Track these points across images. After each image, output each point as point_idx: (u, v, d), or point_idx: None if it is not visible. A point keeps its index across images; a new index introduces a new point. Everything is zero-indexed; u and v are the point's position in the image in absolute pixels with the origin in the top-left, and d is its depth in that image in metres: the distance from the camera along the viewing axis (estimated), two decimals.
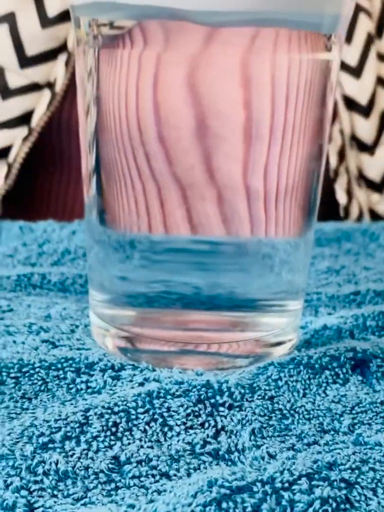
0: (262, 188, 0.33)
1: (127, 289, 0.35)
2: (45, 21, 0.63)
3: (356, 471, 0.26)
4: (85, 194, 0.36)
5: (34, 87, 0.64)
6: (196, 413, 0.30)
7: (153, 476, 0.26)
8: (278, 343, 0.35)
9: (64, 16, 0.63)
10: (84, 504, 0.25)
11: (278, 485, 0.25)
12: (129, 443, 0.28)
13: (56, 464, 0.26)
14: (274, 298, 0.35)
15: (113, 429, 0.28)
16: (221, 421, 0.29)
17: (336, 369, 0.34)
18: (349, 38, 0.66)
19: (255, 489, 0.25)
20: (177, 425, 0.29)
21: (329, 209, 0.68)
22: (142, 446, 0.28)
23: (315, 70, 0.33)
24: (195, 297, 0.34)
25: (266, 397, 0.31)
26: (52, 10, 0.63)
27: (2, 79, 0.63)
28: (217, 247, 0.34)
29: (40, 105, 0.64)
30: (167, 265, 0.34)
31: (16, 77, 0.64)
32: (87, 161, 0.35)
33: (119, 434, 0.28)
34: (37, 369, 0.32)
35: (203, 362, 0.34)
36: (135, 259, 0.34)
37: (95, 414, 0.29)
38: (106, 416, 0.29)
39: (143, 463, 0.27)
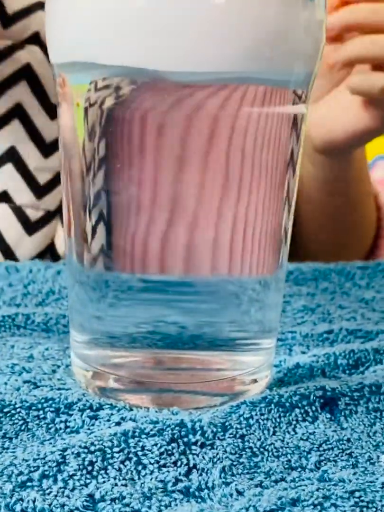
0: (230, 233, 0.35)
1: (106, 329, 0.36)
2: (47, 152, 0.65)
3: (319, 507, 0.28)
4: (66, 236, 0.37)
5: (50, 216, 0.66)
6: (169, 452, 0.31)
7: None
8: (253, 381, 0.37)
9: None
10: None
11: None
12: (104, 482, 0.29)
13: (34, 502, 0.28)
14: (248, 336, 0.37)
15: (89, 468, 0.30)
16: (193, 459, 0.31)
17: (306, 407, 0.35)
18: None
19: None
20: (150, 463, 0.30)
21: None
22: (116, 484, 0.29)
23: (282, 124, 0.35)
24: (172, 337, 0.35)
25: (237, 435, 0.33)
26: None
27: (23, 216, 0.64)
28: (190, 288, 0.36)
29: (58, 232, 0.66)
30: (144, 305, 0.35)
31: (34, 212, 0.65)
32: (69, 206, 0.37)
33: (94, 473, 0.30)
34: (18, 409, 0.33)
35: (179, 402, 0.35)
36: (113, 299, 0.35)
37: (72, 453, 0.30)
38: (83, 455, 0.30)
39: (116, 501, 0.28)
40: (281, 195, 0.36)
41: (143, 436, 0.31)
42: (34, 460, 0.30)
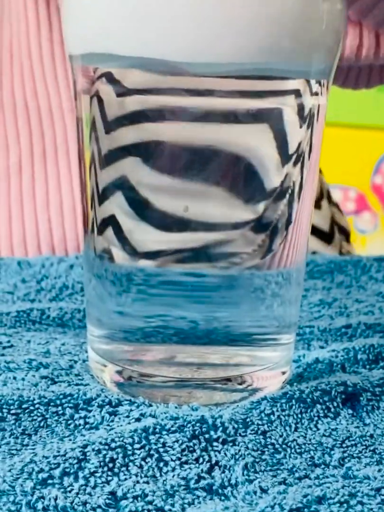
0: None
1: (124, 324, 0.36)
2: None
3: (345, 505, 0.27)
4: (83, 230, 0.37)
5: None
6: (191, 449, 0.31)
7: (149, 511, 0.27)
8: (273, 377, 0.36)
9: None
10: None
11: None
12: (125, 479, 0.29)
13: (55, 500, 0.27)
14: (267, 332, 0.36)
15: (110, 465, 0.29)
16: (215, 456, 0.30)
17: (327, 403, 0.35)
18: None
19: None
20: (172, 460, 0.30)
21: None
22: (138, 482, 0.29)
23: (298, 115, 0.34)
24: (190, 332, 0.35)
25: (259, 431, 0.32)
26: None
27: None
28: (210, 280, 0.35)
29: None
30: (162, 299, 0.35)
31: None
32: (86, 199, 0.36)
33: (116, 470, 0.29)
34: (36, 406, 0.33)
35: (199, 397, 0.35)
36: (131, 293, 0.35)
37: (93, 450, 0.30)
38: (104, 452, 0.30)
39: (139, 498, 0.28)
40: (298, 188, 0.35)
41: (164, 432, 0.31)
42: (55, 457, 0.29)
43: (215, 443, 0.31)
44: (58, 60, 0.59)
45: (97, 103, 0.34)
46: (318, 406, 0.34)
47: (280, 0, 0.32)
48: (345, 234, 0.79)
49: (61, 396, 0.33)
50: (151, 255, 0.35)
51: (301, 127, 0.34)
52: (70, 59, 0.35)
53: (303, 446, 0.32)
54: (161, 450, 0.30)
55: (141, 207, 0.34)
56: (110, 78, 0.34)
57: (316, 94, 0.34)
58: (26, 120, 0.58)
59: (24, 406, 0.33)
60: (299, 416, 0.34)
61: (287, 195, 0.34)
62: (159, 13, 0.32)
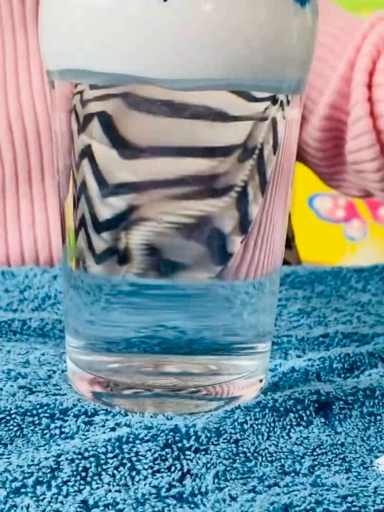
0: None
1: (101, 334, 0.36)
2: None
3: None
4: (61, 241, 0.38)
5: None
6: (163, 457, 0.31)
7: None
8: (248, 386, 0.37)
9: None
10: None
11: None
12: (97, 487, 0.29)
13: (27, 508, 0.28)
14: (242, 340, 0.37)
15: (83, 474, 0.30)
16: (187, 464, 0.31)
17: (300, 412, 0.35)
18: None
19: None
20: (144, 469, 0.30)
21: None
22: (110, 490, 0.29)
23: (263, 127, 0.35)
24: (167, 342, 0.35)
25: (232, 440, 0.33)
26: None
27: None
28: (185, 291, 0.36)
29: None
30: (138, 310, 0.36)
31: None
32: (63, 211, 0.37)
33: (88, 479, 0.30)
34: (13, 415, 0.33)
35: (174, 406, 0.35)
36: (107, 304, 0.36)
37: (66, 459, 0.30)
38: (77, 461, 0.30)
39: (110, 507, 0.28)
40: (276, 197, 0.36)
41: (137, 441, 0.32)
42: (29, 466, 0.30)
43: (187, 452, 0.32)
44: (46, 82, 0.59)
45: (75, 118, 0.35)
46: (291, 414, 0.35)
47: (252, 17, 0.33)
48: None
49: (37, 406, 0.34)
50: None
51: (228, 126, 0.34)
52: (48, 74, 0.36)
53: (274, 455, 0.32)
54: (134, 459, 0.31)
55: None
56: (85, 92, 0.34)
57: (276, 103, 0.35)
58: (9, 142, 0.58)
59: (0, 416, 0.33)
60: (272, 424, 0.34)
61: (233, 193, 0.35)
62: (133, 31, 0.32)
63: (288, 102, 0.35)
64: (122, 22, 0.33)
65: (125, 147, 0.34)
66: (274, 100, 0.35)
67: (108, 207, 0.35)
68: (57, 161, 0.36)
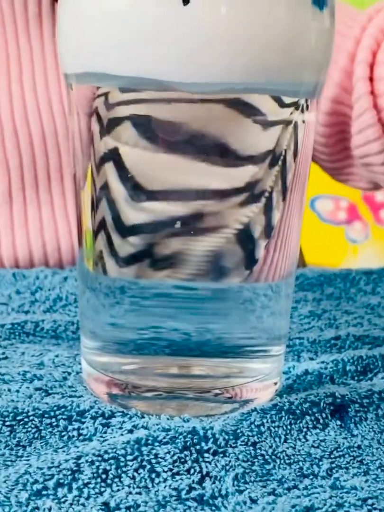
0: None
1: (117, 336, 0.36)
2: None
3: None
4: (78, 243, 0.38)
5: None
6: (182, 460, 0.31)
7: None
8: (263, 388, 0.37)
9: None
10: None
11: None
12: (118, 490, 0.29)
13: (49, 510, 0.28)
14: (258, 343, 0.37)
15: (103, 476, 0.30)
16: (206, 467, 0.31)
17: (316, 415, 0.35)
18: None
19: None
20: (164, 471, 0.31)
21: None
22: (130, 493, 0.29)
23: (288, 131, 0.35)
24: (182, 344, 0.36)
25: (249, 443, 0.33)
26: None
27: None
28: (201, 293, 0.36)
29: None
30: (155, 311, 0.36)
31: None
32: (80, 213, 0.37)
33: (109, 481, 0.30)
34: (31, 417, 0.34)
35: (191, 409, 0.35)
36: (124, 305, 0.36)
37: (86, 461, 0.30)
38: (97, 463, 0.30)
39: (131, 509, 0.28)
40: (293, 202, 0.36)
41: (156, 443, 0.32)
42: (49, 468, 0.30)
43: (206, 454, 0.32)
44: (52, 88, 0.59)
45: (97, 120, 0.35)
46: (307, 417, 0.35)
47: (270, 20, 0.33)
48: None
49: (55, 408, 0.34)
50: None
51: (262, 132, 0.35)
52: (66, 77, 0.36)
53: (292, 457, 0.32)
54: (153, 461, 0.31)
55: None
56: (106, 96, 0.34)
57: (298, 108, 0.35)
58: (15, 147, 0.58)
59: (18, 418, 0.33)
60: (289, 427, 0.34)
61: (263, 199, 0.35)
62: (152, 34, 0.33)
63: (307, 106, 0.35)
64: (141, 25, 0.33)
65: (166, 151, 0.34)
66: (297, 104, 0.35)
67: (140, 212, 0.35)
68: (74, 164, 0.36)
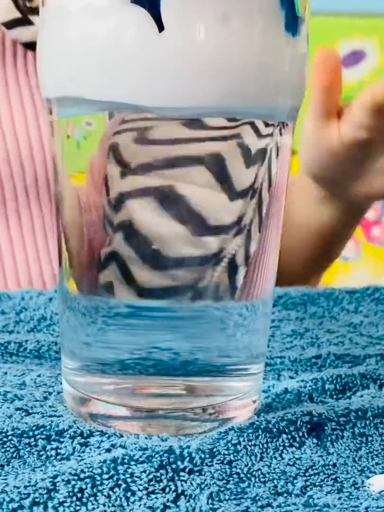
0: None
1: (96, 356, 0.37)
2: None
3: None
4: (57, 263, 0.38)
5: None
6: (158, 478, 0.32)
7: None
8: (242, 406, 0.37)
9: None
10: None
11: None
12: (93, 508, 0.30)
13: None
14: (235, 362, 0.37)
15: (79, 495, 0.30)
16: (182, 485, 0.31)
17: (293, 433, 0.36)
18: None
19: None
20: (139, 490, 0.31)
21: None
22: (105, 511, 0.30)
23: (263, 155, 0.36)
24: (161, 363, 0.36)
25: (225, 461, 0.33)
26: None
27: None
28: (179, 313, 0.36)
29: None
30: (133, 331, 0.36)
31: None
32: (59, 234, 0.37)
33: (84, 500, 0.30)
34: (10, 437, 0.34)
35: (169, 428, 0.36)
36: (103, 325, 0.36)
37: (62, 480, 0.31)
38: (73, 482, 0.31)
39: None
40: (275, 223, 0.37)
41: (132, 462, 0.32)
42: (25, 487, 0.30)
43: (181, 473, 0.32)
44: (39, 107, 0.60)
45: (71, 144, 0.36)
46: (284, 435, 0.35)
47: (244, 46, 0.34)
48: None
49: (34, 428, 0.35)
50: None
51: (248, 167, 0.35)
52: (46, 101, 0.37)
53: (267, 475, 0.33)
54: (129, 480, 0.31)
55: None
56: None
57: (269, 135, 0.36)
58: None
59: None
60: (265, 445, 0.35)
61: (244, 231, 0.36)
62: (129, 60, 0.33)
63: (281, 131, 0.36)
64: (119, 51, 0.33)
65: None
66: (272, 132, 0.35)
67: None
68: (55, 186, 0.37)
